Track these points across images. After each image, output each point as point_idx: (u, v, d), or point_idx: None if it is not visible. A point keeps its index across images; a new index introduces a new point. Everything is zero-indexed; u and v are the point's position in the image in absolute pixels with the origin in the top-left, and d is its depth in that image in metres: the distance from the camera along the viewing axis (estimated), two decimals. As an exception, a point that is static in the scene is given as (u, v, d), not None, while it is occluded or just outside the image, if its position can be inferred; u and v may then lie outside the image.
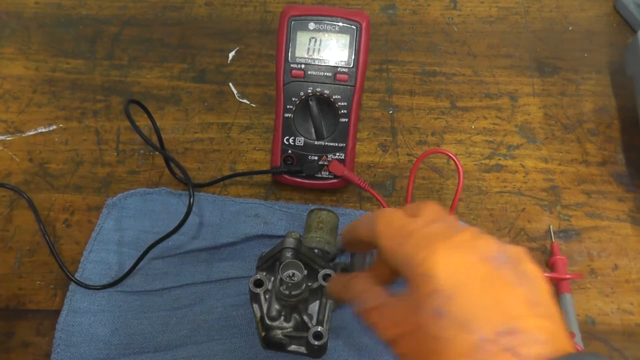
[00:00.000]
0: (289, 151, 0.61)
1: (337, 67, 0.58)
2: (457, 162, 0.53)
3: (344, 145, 0.60)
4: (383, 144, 0.68)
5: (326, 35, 0.57)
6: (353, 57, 0.58)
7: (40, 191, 0.63)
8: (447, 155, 0.54)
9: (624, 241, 0.61)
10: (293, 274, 0.49)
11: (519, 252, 0.39)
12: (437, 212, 0.41)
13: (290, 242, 0.50)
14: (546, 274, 0.58)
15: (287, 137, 0.60)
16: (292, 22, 0.57)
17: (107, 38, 0.76)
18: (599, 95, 0.73)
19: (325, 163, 0.61)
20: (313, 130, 0.60)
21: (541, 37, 0.78)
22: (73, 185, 0.64)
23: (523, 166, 0.67)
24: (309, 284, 0.49)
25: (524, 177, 0.66)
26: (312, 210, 0.55)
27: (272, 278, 0.51)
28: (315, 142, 0.60)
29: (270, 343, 0.50)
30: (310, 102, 0.58)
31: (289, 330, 0.50)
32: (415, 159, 0.66)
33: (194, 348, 0.53)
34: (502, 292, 0.35)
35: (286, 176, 0.62)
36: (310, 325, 0.48)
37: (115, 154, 0.66)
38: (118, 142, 0.67)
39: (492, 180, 0.65)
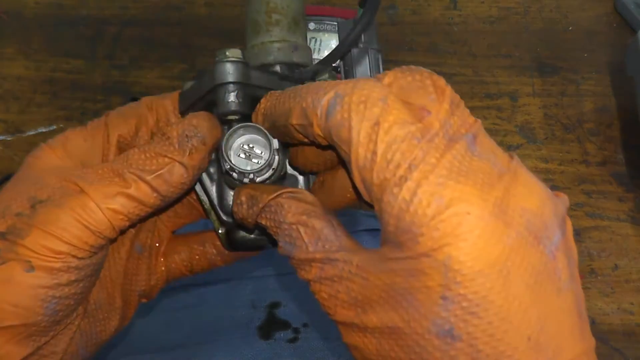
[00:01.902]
0: (289, 151, 0.60)
1: (338, 67, 0.58)
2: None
3: (344, 145, 0.60)
4: (383, 144, 0.68)
5: (326, 35, 0.57)
6: (353, 57, 0.58)
7: (41, 191, 0.63)
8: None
9: (624, 241, 0.61)
10: (252, 148, 0.28)
11: (565, 216, 0.23)
12: (458, 108, 0.24)
13: (227, 71, 0.28)
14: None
15: (288, 137, 0.60)
16: (293, 22, 0.57)
17: (107, 38, 0.76)
18: (599, 95, 0.73)
19: (326, 163, 0.60)
20: (313, 131, 0.60)
21: (541, 37, 0.78)
22: (73, 185, 0.64)
23: (523, 166, 0.67)
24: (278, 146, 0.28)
25: (524, 177, 0.66)
26: None
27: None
28: (316, 142, 0.60)
29: (237, 244, 0.34)
30: (311, 102, 0.58)
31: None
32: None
33: (194, 348, 0.53)
34: (549, 303, 0.21)
35: (286, 176, 0.62)
36: None
37: (116, 154, 0.66)
38: (118, 142, 0.67)
39: (492, 180, 0.65)
